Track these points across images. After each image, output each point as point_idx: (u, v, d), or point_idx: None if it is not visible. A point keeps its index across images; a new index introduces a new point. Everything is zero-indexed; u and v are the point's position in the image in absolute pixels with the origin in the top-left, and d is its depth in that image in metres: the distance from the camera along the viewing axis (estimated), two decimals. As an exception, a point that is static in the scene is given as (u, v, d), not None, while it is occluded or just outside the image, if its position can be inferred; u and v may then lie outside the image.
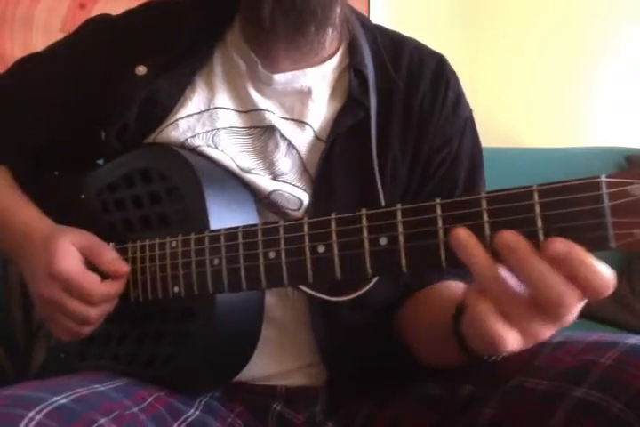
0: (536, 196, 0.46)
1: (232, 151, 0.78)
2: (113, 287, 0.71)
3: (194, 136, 0.78)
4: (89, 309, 0.70)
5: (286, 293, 0.77)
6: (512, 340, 0.47)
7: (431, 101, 0.81)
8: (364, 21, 0.86)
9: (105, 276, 0.71)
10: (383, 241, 0.52)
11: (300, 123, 0.79)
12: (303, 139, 0.79)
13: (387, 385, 0.78)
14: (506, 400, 0.64)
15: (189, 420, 0.68)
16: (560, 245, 0.45)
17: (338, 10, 0.77)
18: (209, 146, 0.78)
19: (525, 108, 2.01)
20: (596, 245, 0.44)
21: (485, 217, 0.48)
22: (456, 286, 0.72)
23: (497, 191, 0.48)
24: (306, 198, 0.77)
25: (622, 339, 0.60)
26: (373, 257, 0.53)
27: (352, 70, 0.79)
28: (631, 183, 0.43)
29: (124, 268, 0.71)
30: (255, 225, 0.61)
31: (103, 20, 0.88)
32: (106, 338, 0.76)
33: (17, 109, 0.87)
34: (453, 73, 0.85)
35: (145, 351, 0.72)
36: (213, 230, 0.65)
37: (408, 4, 1.90)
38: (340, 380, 0.78)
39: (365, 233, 0.53)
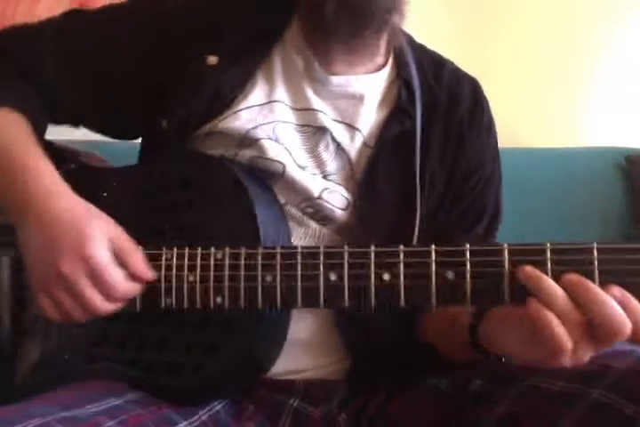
0: (595, 252, 0.54)
1: (290, 145, 0.80)
2: (132, 288, 0.70)
3: (255, 127, 0.79)
4: (104, 302, 0.68)
5: None
6: (568, 355, 0.54)
7: (469, 124, 0.85)
8: (408, 37, 0.88)
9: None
10: (450, 275, 0.58)
11: (351, 127, 0.81)
12: (353, 143, 0.81)
13: (399, 378, 0.80)
14: (519, 399, 0.66)
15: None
16: (617, 289, 0.53)
17: (395, 16, 0.79)
18: (270, 138, 0.79)
19: (525, 108, 2.00)
20: None
21: (549, 265, 0.55)
22: None
23: (561, 243, 0.55)
24: (351, 199, 0.80)
25: (638, 346, 0.65)
26: (439, 289, 0.58)
27: (402, 80, 0.82)
28: None
29: (150, 273, 0.70)
30: (317, 247, 0.64)
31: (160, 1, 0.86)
32: (121, 342, 0.74)
33: (60, 67, 0.84)
34: (486, 98, 0.89)
35: (168, 359, 0.72)
36: (268, 247, 0.66)
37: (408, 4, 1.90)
38: (360, 375, 0.80)
39: (433, 267, 0.58)
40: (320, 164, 0.81)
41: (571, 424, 0.60)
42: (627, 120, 2.04)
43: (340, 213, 0.79)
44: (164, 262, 0.71)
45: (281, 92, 0.81)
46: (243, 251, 0.66)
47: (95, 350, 0.75)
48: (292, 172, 0.78)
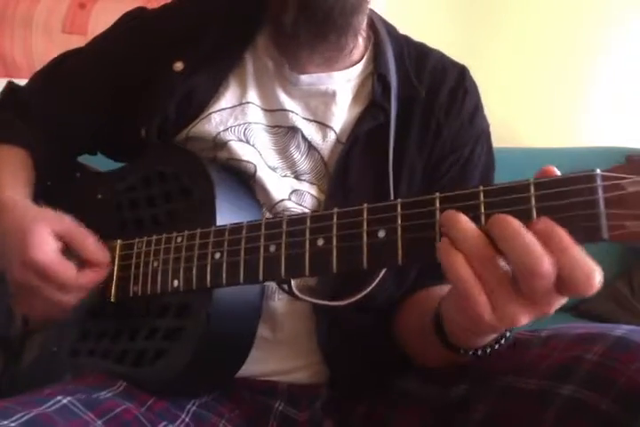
0: (532, 188, 0.47)
1: (261, 146, 0.80)
2: (90, 277, 0.71)
3: (226, 130, 0.79)
4: (66, 296, 0.71)
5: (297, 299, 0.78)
6: (484, 303, 0.48)
7: (448, 109, 0.82)
8: (391, 30, 0.87)
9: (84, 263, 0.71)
10: (381, 234, 0.52)
11: (323, 125, 0.81)
12: (325, 141, 0.80)
13: (384, 383, 0.78)
14: (498, 400, 0.65)
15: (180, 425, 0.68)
16: (544, 224, 0.46)
17: (360, 18, 0.78)
18: (240, 140, 0.79)
19: (525, 108, 2.01)
20: (590, 235, 0.45)
21: (482, 209, 0.48)
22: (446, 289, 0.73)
23: (494, 184, 0.49)
24: (322, 199, 0.79)
25: (610, 331, 0.61)
26: (371, 250, 0.53)
27: (376, 75, 0.81)
28: (625, 177, 0.44)
29: (105, 257, 0.72)
30: (260, 220, 0.62)
31: (139, 14, 0.90)
32: (100, 334, 0.76)
33: (56, 101, 0.89)
34: (474, 84, 0.86)
35: (136, 347, 0.72)
36: (219, 225, 0.66)
37: (408, 3, 1.90)
38: (341, 378, 0.79)
39: (365, 226, 0.53)
40: (291, 164, 0.80)
41: (550, 423, 0.58)
42: (627, 120, 2.04)
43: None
44: (135, 251, 0.73)
45: (252, 94, 0.81)
46: (198, 231, 0.67)
47: (77, 345, 0.77)
48: (263, 173, 0.78)
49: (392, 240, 0.52)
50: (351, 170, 0.78)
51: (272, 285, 0.74)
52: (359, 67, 0.83)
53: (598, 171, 0.45)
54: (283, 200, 0.78)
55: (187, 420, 0.70)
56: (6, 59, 1.69)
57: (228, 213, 0.70)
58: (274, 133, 0.81)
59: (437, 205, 0.50)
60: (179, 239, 0.68)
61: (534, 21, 2.02)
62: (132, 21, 0.89)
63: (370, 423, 0.76)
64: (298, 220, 0.59)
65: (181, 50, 0.82)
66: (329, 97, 0.81)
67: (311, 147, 0.80)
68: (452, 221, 0.48)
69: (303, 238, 0.57)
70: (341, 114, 0.81)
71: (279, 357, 0.79)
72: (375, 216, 0.53)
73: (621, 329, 0.61)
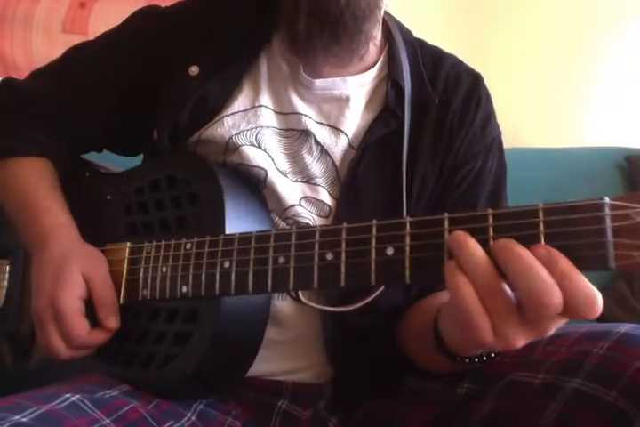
0: (541, 214, 0.47)
1: (272, 151, 0.80)
2: (97, 338, 0.72)
3: (238, 133, 0.79)
4: (64, 348, 0.72)
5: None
6: (486, 329, 0.48)
7: (461, 117, 0.82)
8: (407, 35, 0.87)
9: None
10: (389, 251, 0.53)
11: (336, 130, 0.80)
12: (337, 146, 0.80)
13: (387, 382, 0.79)
14: (502, 396, 0.65)
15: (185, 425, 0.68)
16: (546, 249, 0.46)
17: (371, 24, 0.78)
18: (252, 144, 0.79)
19: (525, 108, 2.01)
20: (597, 264, 0.45)
21: (491, 233, 0.49)
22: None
23: (504, 208, 0.49)
24: (333, 206, 0.79)
25: (614, 328, 0.62)
26: (379, 267, 0.54)
27: (390, 81, 0.81)
28: (633, 207, 0.44)
29: (114, 325, 0.73)
30: (269, 231, 0.63)
31: (153, 13, 0.89)
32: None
33: (65, 102, 0.88)
34: (487, 92, 0.86)
35: (144, 351, 0.73)
36: (228, 234, 0.66)
37: (410, 3, 1.89)
38: (345, 378, 0.79)
39: (373, 243, 0.54)
40: (303, 168, 0.80)
41: (553, 416, 0.59)
42: (626, 120, 2.04)
43: (321, 222, 0.79)
44: (144, 255, 0.74)
45: (265, 97, 0.81)
46: (207, 239, 0.67)
47: None
48: (273, 178, 0.78)
49: (400, 259, 0.52)
50: (362, 177, 0.78)
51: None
52: (373, 72, 0.83)
53: (607, 199, 0.45)
54: (293, 206, 0.78)
55: (193, 418, 0.71)
56: (6, 59, 1.69)
57: (236, 220, 0.71)
58: (286, 137, 0.81)
59: (446, 225, 0.51)
60: (188, 246, 0.69)
61: (537, 23, 2.01)
62: (145, 20, 0.88)
63: (374, 421, 0.77)
64: (307, 233, 0.59)
65: (197, 53, 0.81)
66: (343, 102, 0.81)
67: (323, 151, 0.80)
68: (461, 244, 0.48)
69: (312, 252, 0.58)
70: (354, 119, 0.81)
71: (284, 356, 0.79)
72: (384, 233, 0.54)
73: (625, 326, 0.62)
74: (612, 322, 1.89)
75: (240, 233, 0.65)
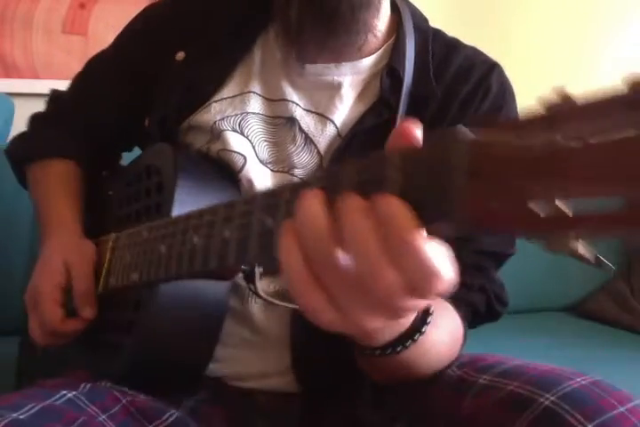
0: (395, 160, 0.38)
1: (256, 138, 0.78)
2: (71, 326, 0.72)
3: (223, 119, 0.78)
4: (40, 335, 0.73)
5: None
6: (320, 303, 0.38)
7: (463, 108, 0.77)
8: (420, 23, 0.82)
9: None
10: (269, 222, 0.45)
11: (323, 117, 0.77)
12: (323, 134, 0.77)
13: (348, 404, 0.76)
14: (475, 399, 0.63)
15: (169, 421, 0.68)
16: (386, 203, 0.36)
17: (371, 13, 0.75)
18: (234, 130, 0.77)
19: (526, 108, 2.00)
20: (439, 216, 0.35)
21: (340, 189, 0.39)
22: None
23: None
24: None
25: (538, 396, 0.57)
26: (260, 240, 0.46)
27: (387, 69, 0.77)
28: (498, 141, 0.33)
29: (88, 314, 0.72)
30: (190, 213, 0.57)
31: (152, 6, 0.90)
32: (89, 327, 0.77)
33: (87, 106, 0.90)
34: (502, 84, 0.80)
35: (104, 340, 0.74)
36: (168, 218, 0.63)
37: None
38: (312, 389, 0.77)
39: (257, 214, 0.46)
40: (285, 157, 0.77)
41: None
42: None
43: None
44: (119, 245, 0.73)
45: (256, 84, 0.79)
46: (154, 224, 0.64)
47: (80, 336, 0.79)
48: (251, 166, 0.76)
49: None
50: None
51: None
52: (371, 59, 0.79)
53: (464, 129, 0.34)
54: None
55: (176, 415, 0.70)
56: (6, 59, 1.69)
57: (186, 205, 0.67)
58: (273, 125, 0.78)
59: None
60: (144, 233, 0.67)
61: (537, 22, 2.01)
62: (143, 13, 0.89)
63: None
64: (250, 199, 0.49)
65: (187, 40, 0.81)
66: (334, 89, 0.78)
67: (308, 139, 0.77)
68: (300, 201, 0.39)
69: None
70: (345, 108, 0.78)
71: (254, 359, 0.77)
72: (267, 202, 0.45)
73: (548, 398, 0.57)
74: (613, 322, 1.89)
75: (176, 216, 0.60)
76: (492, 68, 0.80)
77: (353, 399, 0.76)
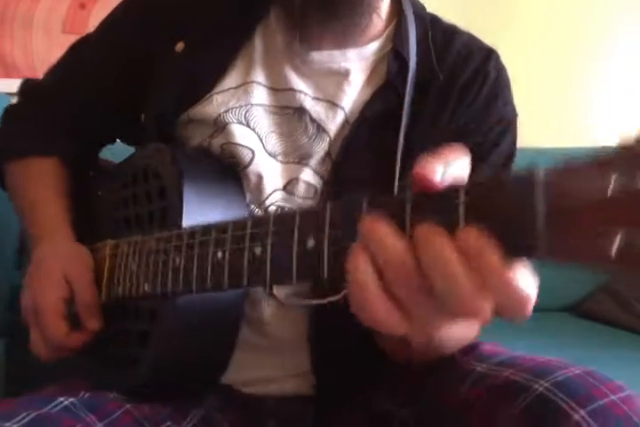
0: (462, 194, 0.38)
1: (262, 130, 0.76)
2: (76, 339, 0.70)
3: (227, 111, 0.75)
4: (43, 349, 0.71)
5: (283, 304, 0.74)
6: (391, 320, 0.39)
7: (463, 93, 0.77)
8: (419, 9, 0.82)
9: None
10: (310, 243, 0.45)
11: (333, 104, 0.76)
12: (334, 121, 0.76)
13: (364, 400, 0.76)
14: (471, 387, 0.64)
15: None
16: (472, 238, 0.36)
17: None
18: (240, 123, 0.75)
19: (525, 108, 2.00)
20: (525, 253, 0.36)
21: (408, 217, 0.40)
22: None
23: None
24: (320, 186, 0.75)
25: (532, 383, 0.58)
26: (299, 259, 0.46)
27: (393, 53, 0.76)
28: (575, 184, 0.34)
29: (94, 326, 0.71)
30: (210, 225, 0.56)
31: None
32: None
33: (71, 93, 0.86)
34: (499, 70, 0.81)
35: (114, 351, 0.72)
36: (179, 229, 0.62)
37: None
38: (329, 390, 0.76)
39: (296, 234, 0.46)
40: (297, 148, 0.75)
41: (513, 415, 0.57)
42: (628, 120, 2.04)
43: (307, 203, 0.74)
44: (119, 252, 0.71)
45: (259, 73, 0.76)
46: (164, 234, 0.63)
47: None
48: (260, 160, 0.74)
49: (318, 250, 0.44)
50: (355, 154, 0.74)
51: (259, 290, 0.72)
52: (375, 44, 0.78)
53: (541, 171, 0.35)
54: (276, 190, 0.74)
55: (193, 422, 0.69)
56: (6, 59, 1.69)
57: (196, 215, 0.67)
58: (280, 115, 0.76)
59: (364, 209, 0.42)
60: (152, 242, 0.65)
61: (537, 22, 2.01)
62: (135, 1, 0.85)
63: None
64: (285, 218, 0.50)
65: (186, 30, 0.78)
66: (341, 76, 0.76)
67: (320, 128, 0.75)
68: (369, 229, 0.39)
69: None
70: (353, 94, 0.76)
71: (267, 364, 0.76)
72: (305, 224, 0.46)
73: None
74: (613, 322, 1.89)
75: (188, 228, 0.59)
76: (489, 54, 0.81)
77: (369, 390, 0.75)
